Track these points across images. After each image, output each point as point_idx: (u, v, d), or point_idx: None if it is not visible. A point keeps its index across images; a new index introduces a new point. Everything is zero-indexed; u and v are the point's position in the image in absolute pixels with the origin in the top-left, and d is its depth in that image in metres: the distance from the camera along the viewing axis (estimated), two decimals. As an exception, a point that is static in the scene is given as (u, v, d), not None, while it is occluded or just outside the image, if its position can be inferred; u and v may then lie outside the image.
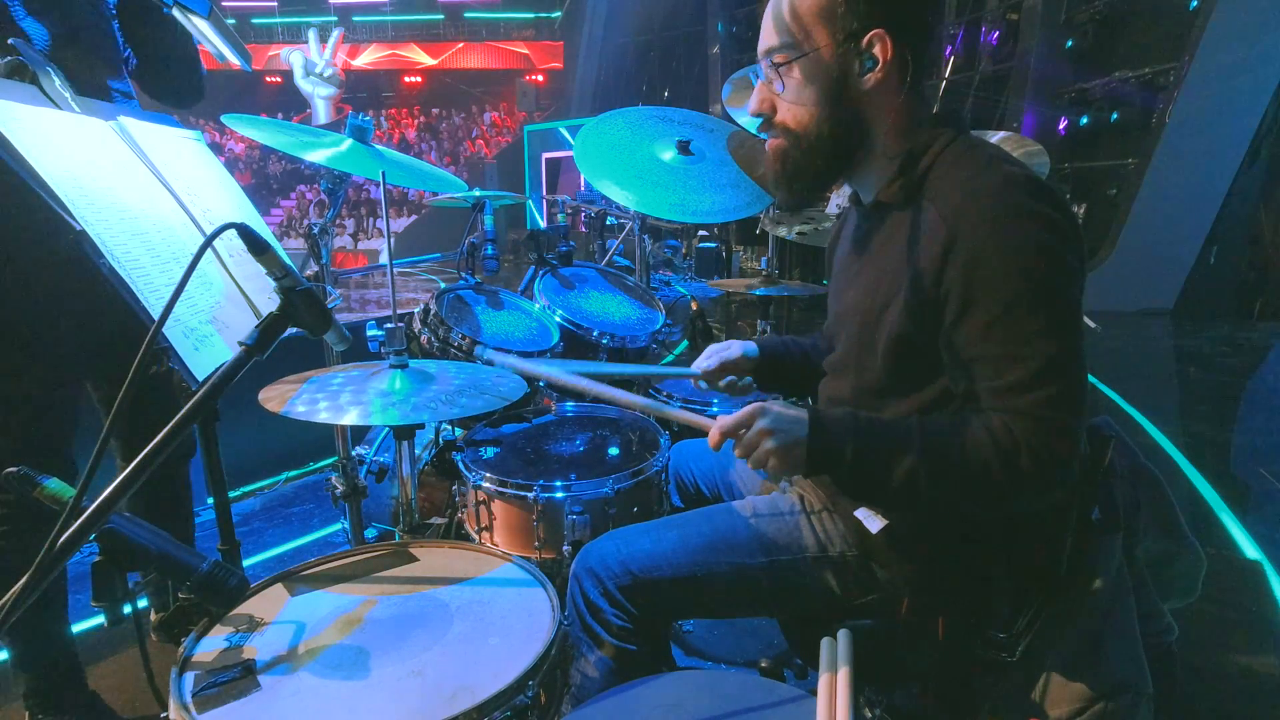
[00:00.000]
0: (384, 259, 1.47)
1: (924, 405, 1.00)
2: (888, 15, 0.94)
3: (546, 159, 13.73)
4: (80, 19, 1.46)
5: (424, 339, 1.81)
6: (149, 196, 1.19)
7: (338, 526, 2.41)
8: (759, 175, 2.17)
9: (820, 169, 1.04)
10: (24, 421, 1.41)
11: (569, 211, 2.59)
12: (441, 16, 24.26)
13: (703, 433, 1.02)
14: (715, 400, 1.95)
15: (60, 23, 1.41)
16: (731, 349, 1.33)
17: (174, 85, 1.72)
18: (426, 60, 24.29)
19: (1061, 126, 8.15)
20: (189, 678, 0.87)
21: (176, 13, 1.54)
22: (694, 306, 3.20)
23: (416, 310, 1.89)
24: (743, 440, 0.96)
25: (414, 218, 17.42)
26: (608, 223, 2.89)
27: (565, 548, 1.39)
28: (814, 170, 1.04)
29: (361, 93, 23.44)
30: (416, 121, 23.86)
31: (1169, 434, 3.64)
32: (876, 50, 0.95)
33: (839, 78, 0.97)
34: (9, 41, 1.15)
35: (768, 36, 1.01)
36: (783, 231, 2.90)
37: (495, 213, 2.27)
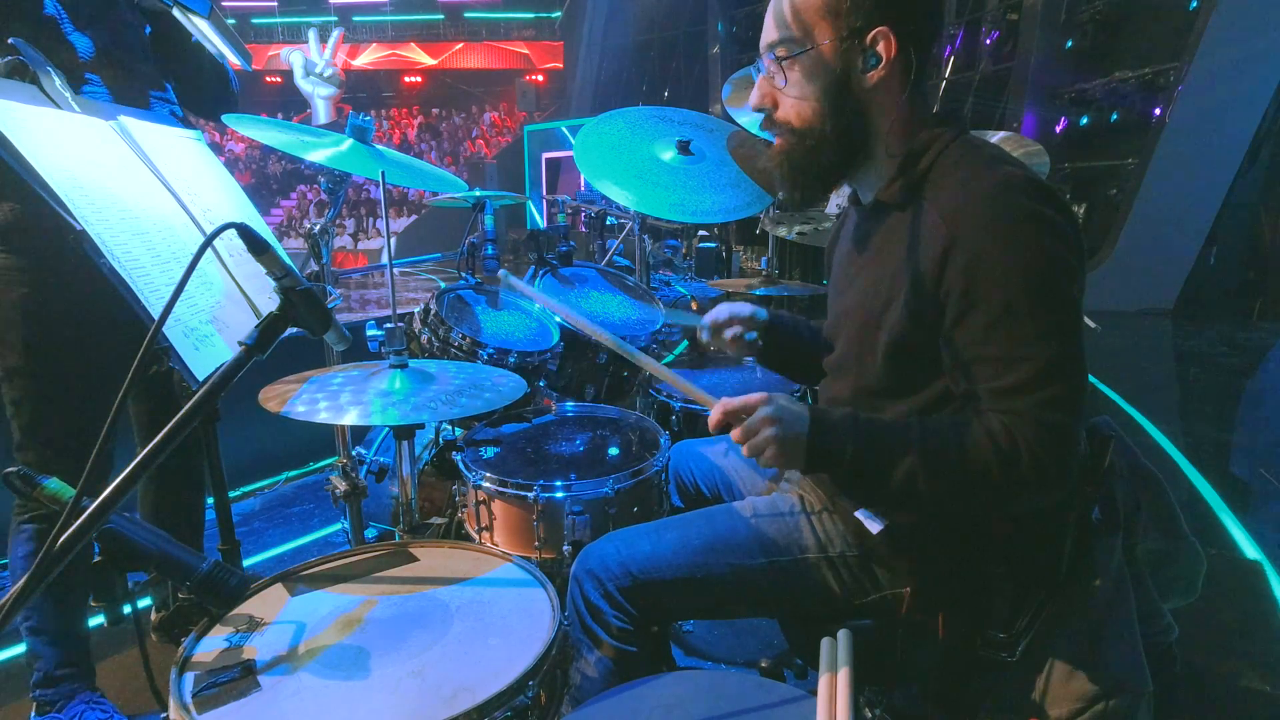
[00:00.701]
0: (384, 259, 1.47)
1: (924, 406, 1.00)
2: (892, 13, 0.94)
3: (546, 159, 13.74)
4: (122, 34, 1.54)
5: (424, 339, 1.81)
6: (149, 196, 1.19)
7: (338, 526, 2.40)
8: (759, 175, 2.16)
9: (825, 165, 1.04)
10: (83, 438, 1.47)
11: (569, 211, 2.58)
12: (441, 16, 24.28)
13: (706, 409, 1.00)
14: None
15: (105, 37, 1.50)
16: (743, 307, 1.32)
17: (208, 100, 1.80)
18: (426, 60, 24.30)
19: (1061, 126, 8.15)
20: (189, 678, 0.87)
21: (177, 12, 1.55)
22: (694, 306, 3.20)
23: (416, 310, 1.89)
24: (745, 425, 0.95)
25: (414, 218, 17.40)
26: (608, 223, 2.88)
27: (565, 548, 1.38)
28: (819, 167, 1.04)
29: (361, 93, 23.47)
30: (416, 121, 23.85)
31: (1169, 434, 3.64)
32: (880, 48, 0.95)
33: (842, 74, 0.97)
34: (9, 41, 1.16)
35: (770, 31, 1.01)
36: (783, 231, 2.91)
37: (495, 213, 2.27)
